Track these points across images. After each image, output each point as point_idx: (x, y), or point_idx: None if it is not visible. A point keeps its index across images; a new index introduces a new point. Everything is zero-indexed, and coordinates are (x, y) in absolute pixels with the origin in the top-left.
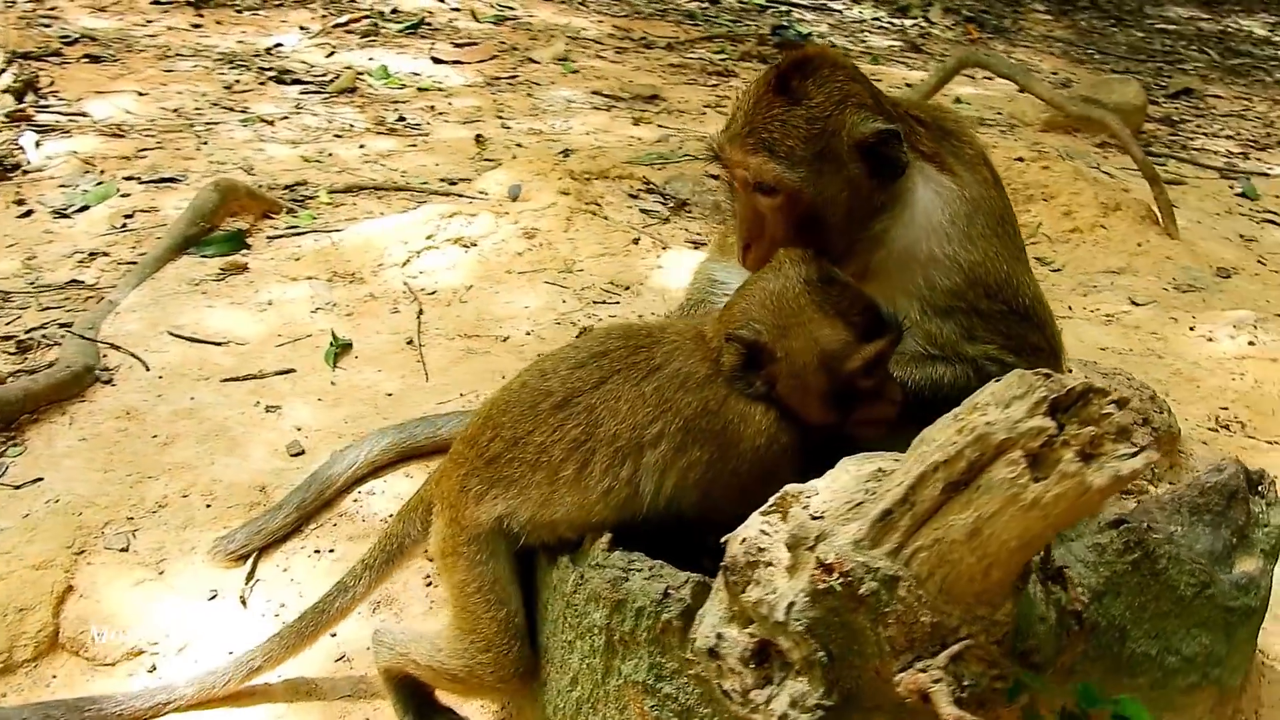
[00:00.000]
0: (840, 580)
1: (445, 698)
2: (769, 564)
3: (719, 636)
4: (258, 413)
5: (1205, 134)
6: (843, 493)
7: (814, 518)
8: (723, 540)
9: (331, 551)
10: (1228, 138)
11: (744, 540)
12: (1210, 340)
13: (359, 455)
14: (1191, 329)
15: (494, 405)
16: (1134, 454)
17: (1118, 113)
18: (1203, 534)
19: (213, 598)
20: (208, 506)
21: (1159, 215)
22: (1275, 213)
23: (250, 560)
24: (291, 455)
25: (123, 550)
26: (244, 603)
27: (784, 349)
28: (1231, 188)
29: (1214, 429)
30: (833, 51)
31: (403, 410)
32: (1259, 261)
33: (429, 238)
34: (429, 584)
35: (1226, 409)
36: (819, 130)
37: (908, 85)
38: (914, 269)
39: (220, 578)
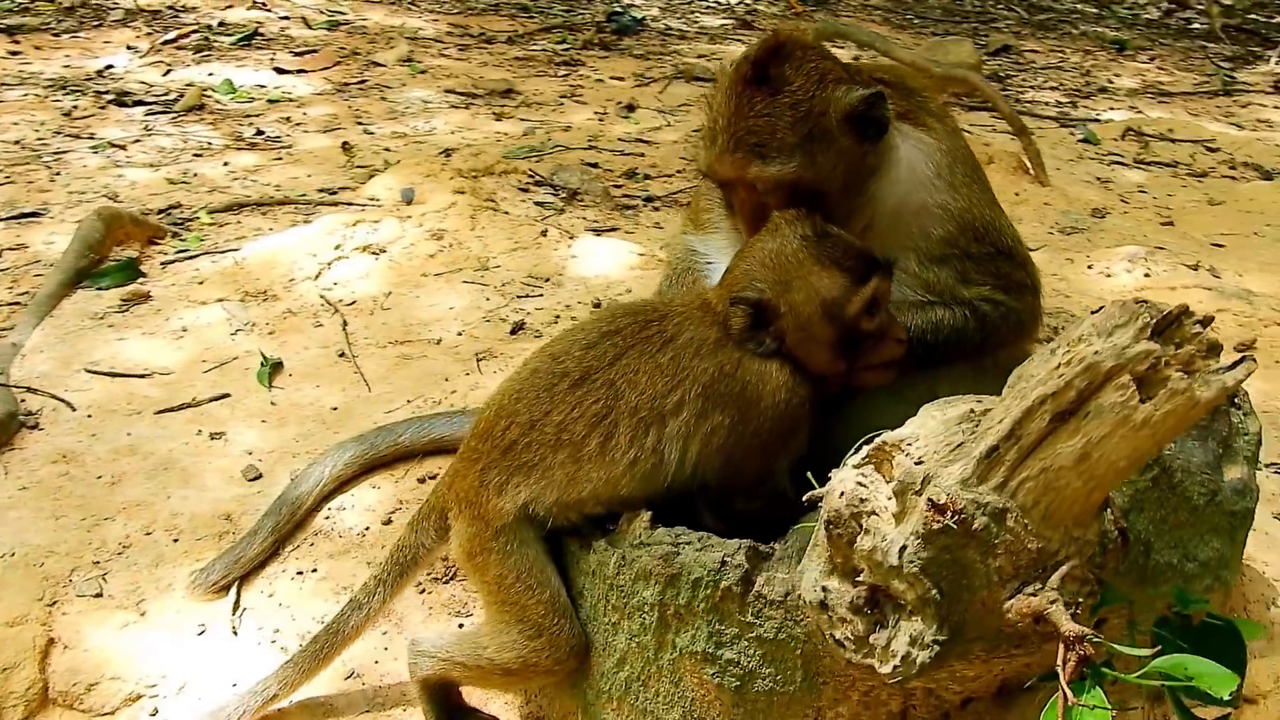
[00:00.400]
0: (955, 518)
1: (470, 697)
2: (872, 513)
3: (824, 589)
4: (202, 441)
5: (1032, 87)
6: (935, 437)
7: (916, 463)
8: (805, 499)
9: (315, 571)
10: (1052, 89)
11: (843, 494)
12: (1109, 276)
13: (324, 472)
14: (1090, 267)
15: (504, 395)
16: (1233, 366)
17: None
18: (1196, 447)
19: (202, 632)
20: (175, 541)
21: (1029, 165)
22: (1119, 155)
23: (233, 590)
24: (249, 480)
25: (97, 596)
26: (236, 633)
27: (788, 303)
28: (1072, 134)
29: None
30: (798, 32)
31: (351, 423)
32: (1122, 200)
33: (337, 248)
34: (423, 591)
35: None
36: (805, 113)
37: None
38: (907, 221)
39: (205, 611)
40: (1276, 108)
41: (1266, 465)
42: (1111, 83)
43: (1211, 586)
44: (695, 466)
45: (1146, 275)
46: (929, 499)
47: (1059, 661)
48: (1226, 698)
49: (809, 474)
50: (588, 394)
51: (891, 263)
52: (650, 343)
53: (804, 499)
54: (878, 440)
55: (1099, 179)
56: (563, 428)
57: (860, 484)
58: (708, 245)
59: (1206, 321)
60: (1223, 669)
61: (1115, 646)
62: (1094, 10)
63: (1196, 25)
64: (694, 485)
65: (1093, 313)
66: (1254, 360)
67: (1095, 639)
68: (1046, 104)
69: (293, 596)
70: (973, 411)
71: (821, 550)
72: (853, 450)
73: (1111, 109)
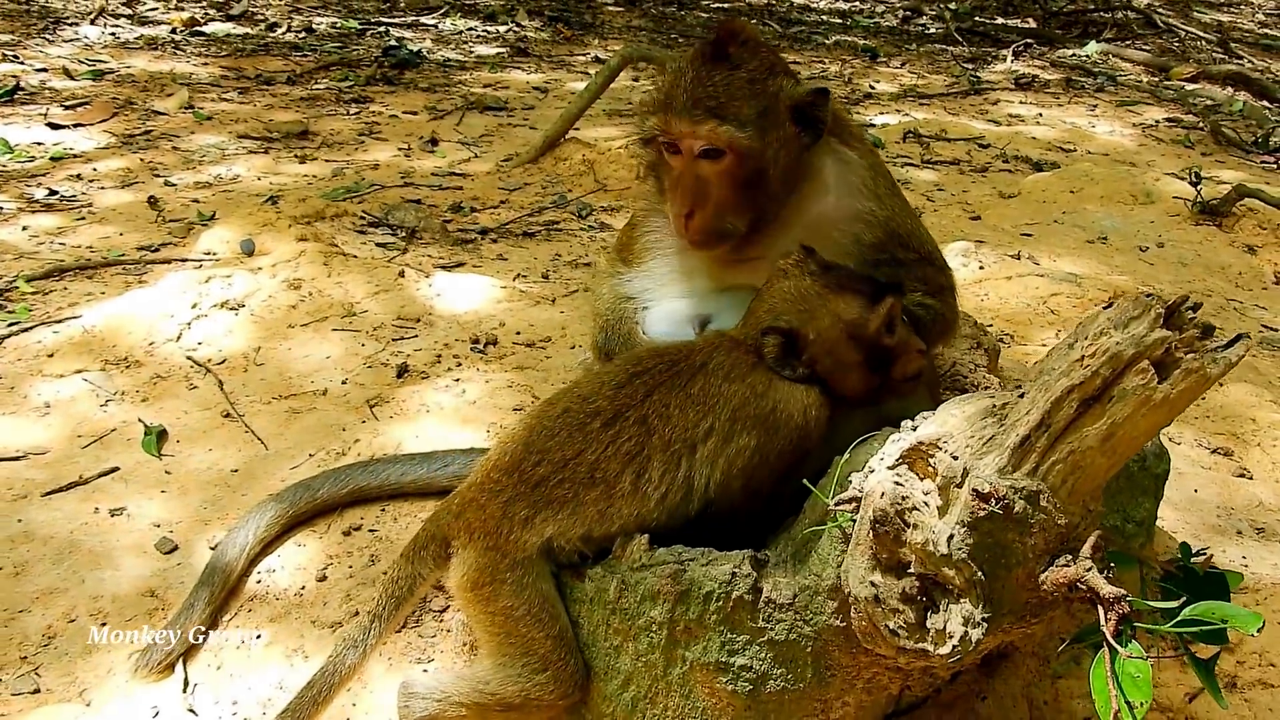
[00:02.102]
0: (998, 505)
1: None
2: (913, 509)
3: (873, 584)
4: (103, 519)
5: None
6: (964, 433)
7: (953, 458)
8: (835, 501)
9: (259, 638)
10: None
11: (884, 494)
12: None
13: (248, 535)
14: None
15: (530, 432)
16: (1230, 344)
17: None
18: None
19: (157, 714)
20: (103, 625)
21: None
22: (907, 156)
23: (179, 667)
24: (165, 553)
25: (34, 693)
26: (193, 711)
27: (814, 330)
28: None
29: None
30: (752, 26)
31: (256, 483)
32: (928, 199)
33: (194, 306)
34: None
35: (991, 326)
36: (760, 90)
37: (535, 89)
38: (841, 227)
39: (154, 693)
40: (1022, 103)
41: None
42: (874, 89)
43: (1145, 543)
44: (717, 492)
45: (981, 268)
46: (973, 489)
47: (1101, 622)
48: (1254, 633)
49: (804, 481)
50: (621, 432)
51: (900, 284)
52: (681, 375)
53: (834, 501)
54: (915, 442)
55: (899, 181)
56: (596, 466)
57: (898, 484)
58: (647, 277)
59: (1196, 307)
60: (1247, 611)
61: (1148, 603)
62: (839, 21)
63: (933, 30)
64: (708, 513)
65: (1104, 308)
66: (1249, 337)
67: (1129, 598)
68: None
69: (243, 665)
70: (994, 405)
71: (865, 548)
72: (850, 451)
73: (882, 113)
